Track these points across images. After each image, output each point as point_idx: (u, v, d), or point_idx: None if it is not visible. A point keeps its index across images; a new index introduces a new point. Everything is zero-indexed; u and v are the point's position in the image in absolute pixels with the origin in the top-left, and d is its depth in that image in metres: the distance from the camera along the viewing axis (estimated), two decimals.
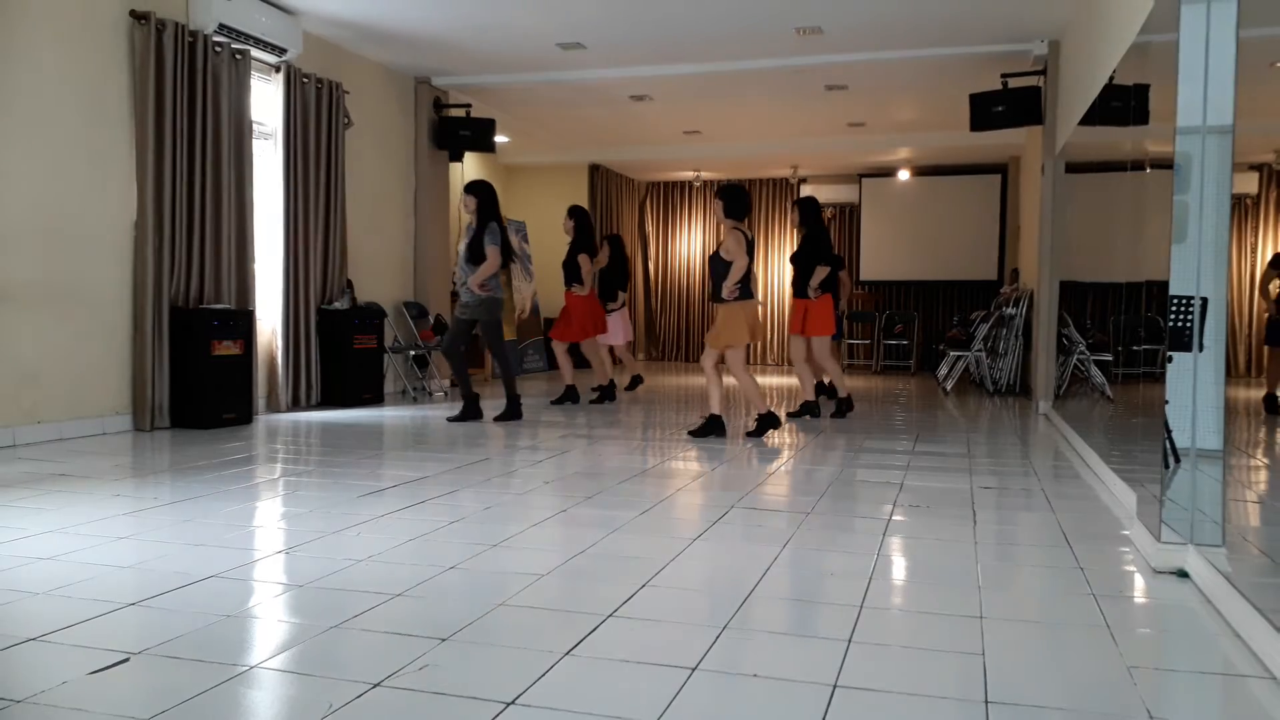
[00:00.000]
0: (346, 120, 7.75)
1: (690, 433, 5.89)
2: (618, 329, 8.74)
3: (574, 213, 8.04)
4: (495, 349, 6.60)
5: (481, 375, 10.18)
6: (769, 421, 5.89)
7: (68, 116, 5.49)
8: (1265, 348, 4.05)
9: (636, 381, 9.26)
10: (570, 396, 7.90)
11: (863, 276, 13.47)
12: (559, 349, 8.00)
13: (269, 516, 3.64)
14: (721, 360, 5.86)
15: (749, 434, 5.88)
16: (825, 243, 7.02)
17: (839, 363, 7.79)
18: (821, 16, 7.05)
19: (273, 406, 7.04)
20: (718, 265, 5.71)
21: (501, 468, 4.73)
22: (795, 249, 7.21)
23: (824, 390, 8.07)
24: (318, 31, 7.46)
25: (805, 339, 6.97)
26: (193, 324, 6.06)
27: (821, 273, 6.83)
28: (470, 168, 10.96)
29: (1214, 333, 2.86)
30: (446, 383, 9.03)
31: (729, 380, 6.95)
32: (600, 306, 8.13)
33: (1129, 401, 4.31)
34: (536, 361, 11.62)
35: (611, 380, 8.19)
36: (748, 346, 5.77)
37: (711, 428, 5.85)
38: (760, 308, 5.87)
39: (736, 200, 5.82)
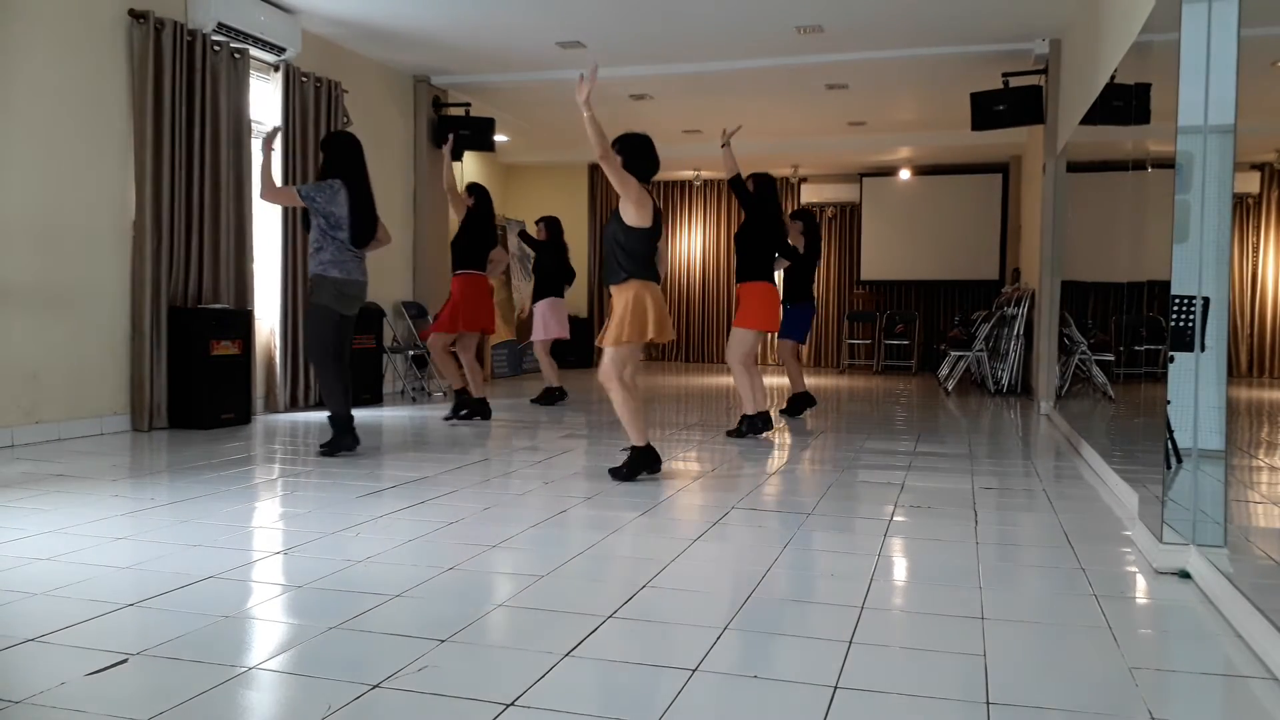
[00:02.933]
0: (345, 119, 7.74)
1: (613, 473, 4.43)
2: (549, 323, 7.73)
3: (473, 190, 6.74)
4: (309, 344, 5.10)
5: (480, 375, 10.16)
6: (643, 461, 4.41)
7: (66, 115, 5.47)
8: None
9: (552, 396, 7.80)
10: (464, 404, 6.65)
11: (864, 276, 13.46)
12: (435, 346, 6.69)
13: (268, 517, 3.63)
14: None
15: (614, 472, 4.43)
16: (775, 220, 6.04)
17: (781, 372, 6.42)
18: (822, 15, 7.04)
19: (271, 407, 7.03)
20: (620, 236, 4.31)
21: (501, 468, 4.72)
22: (738, 228, 6.11)
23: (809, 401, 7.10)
24: (317, 30, 7.45)
25: (746, 334, 5.91)
26: (191, 324, 6.04)
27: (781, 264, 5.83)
28: (470, 167, 10.96)
29: (1216, 333, 2.86)
30: (446, 383, 9.02)
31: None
32: (488, 295, 6.75)
33: (1131, 402, 4.30)
34: (532, 360, 11.60)
35: (482, 398, 6.71)
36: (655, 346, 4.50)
37: (642, 462, 4.41)
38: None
39: (638, 152, 4.32)
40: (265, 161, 4.90)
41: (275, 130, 5.18)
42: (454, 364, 6.75)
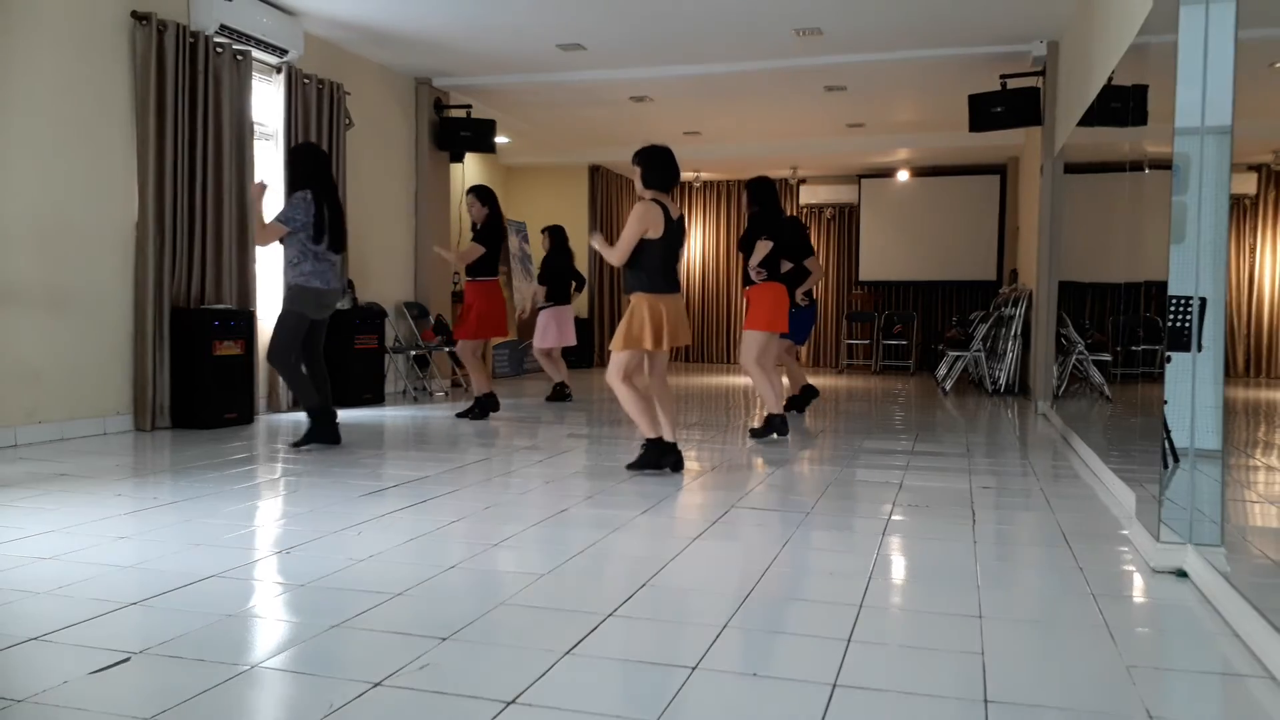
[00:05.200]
0: (347, 121, 7.75)
1: (628, 465, 4.63)
2: (550, 330, 7.93)
3: (482, 194, 6.72)
4: (274, 346, 5.04)
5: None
6: (657, 452, 4.54)
7: (69, 117, 5.49)
8: None
9: (563, 392, 8.00)
10: (488, 405, 6.78)
11: (862, 277, 13.48)
12: (463, 351, 6.80)
13: (270, 516, 3.64)
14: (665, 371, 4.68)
15: (630, 465, 4.61)
16: (776, 220, 5.98)
17: (779, 372, 6.09)
18: (821, 17, 7.06)
19: (273, 406, 7.04)
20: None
21: (501, 467, 4.74)
22: (742, 232, 6.13)
23: (800, 399, 7.29)
24: (319, 32, 7.46)
25: (757, 336, 5.87)
26: (194, 324, 6.06)
27: (763, 249, 5.74)
28: (471, 168, 10.97)
29: (1213, 333, 2.87)
30: (448, 383, 9.03)
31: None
32: (502, 302, 6.79)
33: (1128, 401, 4.32)
34: (537, 362, 11.59)
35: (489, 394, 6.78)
36: (671, 352, 4.51)
37: (649, 458, 4.57)
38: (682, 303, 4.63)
39: (657, 164, 4.45)
40: (258, 212, 5.07)
41: (263, 185, 5.17)
42: (484, 369, 6.89)
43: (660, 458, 4.54)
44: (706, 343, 14.37)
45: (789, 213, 13.37)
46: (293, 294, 5.04)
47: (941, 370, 10.33)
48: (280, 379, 7.01)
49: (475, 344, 6.78)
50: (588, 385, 9.53)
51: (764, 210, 5.98)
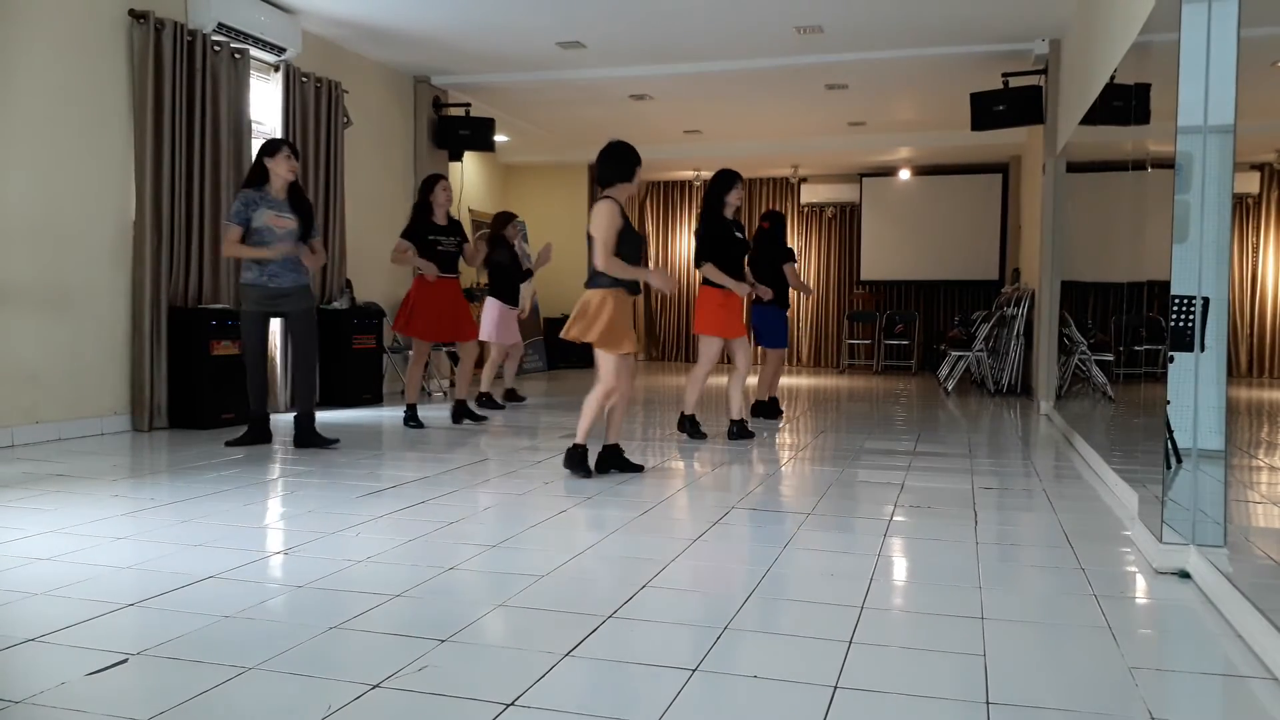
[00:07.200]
0: (346, 119, 7.74)
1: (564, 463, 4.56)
2: (510, 326, 7.46)
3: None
4: (245, 348, 5.29)
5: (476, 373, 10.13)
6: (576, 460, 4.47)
7: (66, 115, 5.48)
8: None
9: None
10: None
11: (863, 276, 13.47)
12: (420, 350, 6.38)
13: (268, 517, 3.63)
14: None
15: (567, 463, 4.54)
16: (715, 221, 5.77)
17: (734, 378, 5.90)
18: (822, 15, 7.04)
19: (271, 406, 7.01)
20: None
21: (501, 468, 4.73)
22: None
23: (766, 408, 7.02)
24: (317, 30, 7.45)
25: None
26: (191, 324, 6.05)
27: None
28: (469, 167, 10.96)
29: (1216, 333, 2.86)
30: (446, 383, 9.02)
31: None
32: (461, 298, 6.44)
33: (1130, 402, 4.30)
34: (536, 362, 11.61)
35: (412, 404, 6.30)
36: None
37: (576, 460, 4.47)
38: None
39: (612, 161, 4.38)
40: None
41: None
42: (490, 371, 6.80)
43: (586, 464, 4.45)
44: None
45: (790, 210, 13.45)
46: (243, 293, 5.21)
47: (943, 370, 10.32)
48: (277, 378, 7.02)
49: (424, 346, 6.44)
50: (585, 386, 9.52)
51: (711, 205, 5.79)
